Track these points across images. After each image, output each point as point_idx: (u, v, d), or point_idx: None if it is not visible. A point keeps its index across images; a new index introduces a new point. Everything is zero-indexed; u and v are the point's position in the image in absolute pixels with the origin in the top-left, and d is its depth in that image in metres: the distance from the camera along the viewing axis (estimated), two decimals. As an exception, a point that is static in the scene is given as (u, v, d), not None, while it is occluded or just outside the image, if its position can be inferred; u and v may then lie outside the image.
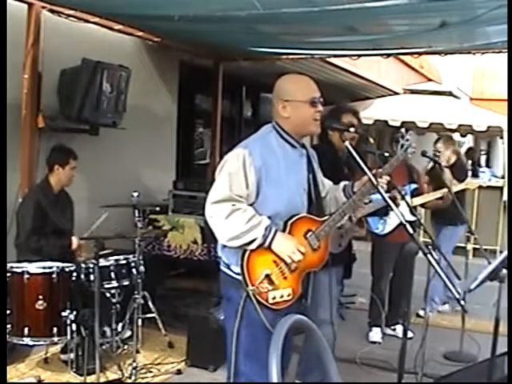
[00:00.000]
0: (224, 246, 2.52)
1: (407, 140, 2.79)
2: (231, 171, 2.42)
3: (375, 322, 4.85)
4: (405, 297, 4.60)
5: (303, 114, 2.54)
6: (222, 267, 2.57)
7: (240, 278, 2.42)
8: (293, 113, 2.54)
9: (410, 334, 4.40)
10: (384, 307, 4.83)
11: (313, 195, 2.68)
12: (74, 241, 4.08)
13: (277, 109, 2.57)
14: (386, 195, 2.48)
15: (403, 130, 2.74)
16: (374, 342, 4.77)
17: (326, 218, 2.61)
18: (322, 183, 2.78)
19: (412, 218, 3.26)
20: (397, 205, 2.53)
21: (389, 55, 6.16)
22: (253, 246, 2.40)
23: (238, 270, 2.45)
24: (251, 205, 2.45)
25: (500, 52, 5.09)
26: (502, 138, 9.09)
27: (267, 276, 2.42)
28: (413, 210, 4.60)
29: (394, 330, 4.91)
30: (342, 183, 2.79)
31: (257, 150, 2.45)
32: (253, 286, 2.39)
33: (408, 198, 4.60)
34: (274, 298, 2.42)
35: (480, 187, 8.28)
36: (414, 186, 4.70)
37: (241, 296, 2.42)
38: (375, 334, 4.84)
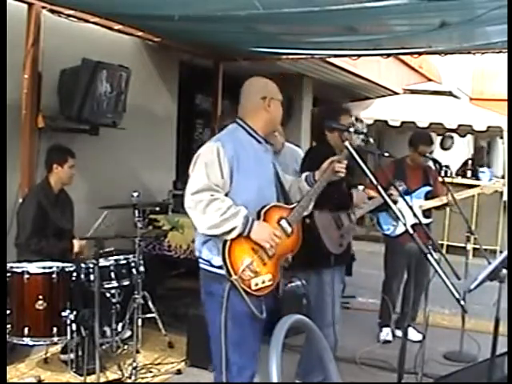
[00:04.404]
0: (203, 243, 2.65)
1: (356, 131, 2.84)
2: (207, 162, 2.56)
3: (386, 322, 4.84)
4: (417, 298, 4.59)
5: (279, 112, 2.83)
6: (203, 265, 2.70)
7: (221, 271, 2.54)
8: (274, 110, 2.78)
9: (419, 336, 4.41)
10: (395, 308, 4.81)
11: (278, 188, 2.83)
12: (76, 243, 4.08)
13: (257, 105, 2.76)
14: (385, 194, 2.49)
15: (353, 119, 2.75)
16: (387, 342, 4.72)
17: (294, 204, 2.76)
18: (285, 178, 2.94)
19: (415, 221, 3.25)
20: (394, 202, 2.53)
21: (389, 55, 6.16)
22: (233, 235, 2.51)
23: (219, 263, 2.56)
24: (226, 195, 2.58)
25: (500, 52, 5.09)
26: (502, 137, 9.09)
27: (248, 264, 2.53)
28: (426, 212, 4.60)
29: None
30: (304, 174, 2.94)
31: (228, 143, 2.62)
32: (236, 275, 2.49)
33: (419, 200, 4.59)
34: (256, 285, 2.55)
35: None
36: (427, 188, 4.66)
37: (223, 289, 2.54)
38: (386, 334, 4.80)
